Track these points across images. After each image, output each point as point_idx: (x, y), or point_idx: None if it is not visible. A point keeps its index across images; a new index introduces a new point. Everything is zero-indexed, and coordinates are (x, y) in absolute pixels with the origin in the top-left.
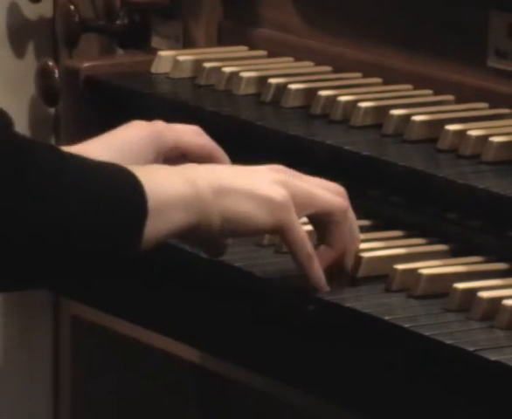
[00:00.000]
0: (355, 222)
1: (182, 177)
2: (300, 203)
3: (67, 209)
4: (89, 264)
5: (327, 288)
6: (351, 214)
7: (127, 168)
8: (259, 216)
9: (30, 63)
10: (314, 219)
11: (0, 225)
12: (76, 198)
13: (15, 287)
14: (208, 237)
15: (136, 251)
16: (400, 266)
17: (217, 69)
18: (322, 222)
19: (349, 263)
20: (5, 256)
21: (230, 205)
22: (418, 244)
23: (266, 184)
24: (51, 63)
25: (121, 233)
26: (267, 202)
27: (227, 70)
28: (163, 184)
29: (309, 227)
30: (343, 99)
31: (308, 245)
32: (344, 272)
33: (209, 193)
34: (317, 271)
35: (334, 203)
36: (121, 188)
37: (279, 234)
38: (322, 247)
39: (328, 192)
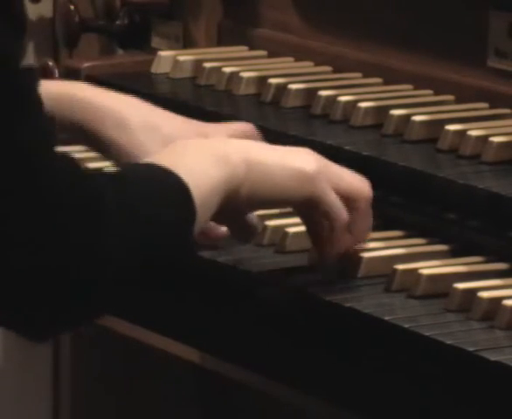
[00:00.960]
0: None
1: (214, 156)
2: (329, 180)
3: (135, 240)
4: (158, 279)
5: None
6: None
7: (171, 171)
8: (290, 187)
9: (30, 63)
10: None
11: (82, 267)
12: (139, 226)
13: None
14: (235, 210)
15: (189, 253)
16: (400, 266)
17: (218, 69)
18: (346, 207)
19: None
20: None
21: (261, 177)
22: (418, 244)
23: (298, 157)
24: (51, 63)
25: (179, 246)
26: (299, 173)
27: (227, 70)
28: (201, 174)
29: None
30: (343, 99)
31: (345, 216)
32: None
33: (242, 166)
34: (339, 248)
35: (360, 189)
36: (171, 200)
37: (311, 207)
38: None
39: (356, 178)
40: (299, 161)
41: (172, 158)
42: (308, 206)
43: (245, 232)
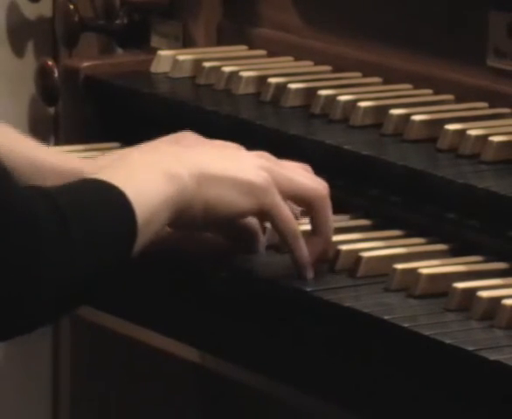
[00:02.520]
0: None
1: (163, 174)
2: (281, 187)
3: (78, 260)
4: (91, 291)
5: (311, 275)
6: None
7: (114, 187)
8: (242, 200)
9: (29, 62)
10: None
11: (21, 291)
12: (81, 248)
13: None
14: (191, 226)
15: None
16: (400, 266)
17: (217, 68)
18: (305, 209)
19: (329, 251)
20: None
21: (212, 193)
22: (417, 244)
23: (249, 169)
24: (50, 62)
25: (117, 259)
26: (250, 186)
27: (227, 69)
28: (147, 190)
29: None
30: (343, 98)
31: (294, 224)
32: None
33: (192, 184)
34: (304, 252)
35: (312, 189)
36: (114, 218)
37: (265, 217)
38: (310, 235)
39: (308, 179)
40: (249, 172)
41: (120, 173)
42: (262, 215)
43: (245, 240)
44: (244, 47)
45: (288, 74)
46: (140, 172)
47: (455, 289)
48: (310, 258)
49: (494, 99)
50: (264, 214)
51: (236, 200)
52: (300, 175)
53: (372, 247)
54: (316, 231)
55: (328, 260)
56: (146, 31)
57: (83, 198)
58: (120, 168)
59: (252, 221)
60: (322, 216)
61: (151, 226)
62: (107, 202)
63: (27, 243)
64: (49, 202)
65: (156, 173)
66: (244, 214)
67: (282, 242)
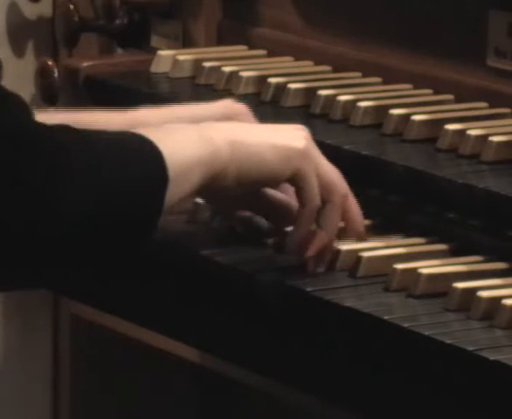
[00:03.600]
0: (357, 207)
1: (198, 136)
2: (315, 164)
3: (97, 194)
4: (118, 241)
5: (312, 267)
6: (352, 200)
7: (146, 137)
8: (277, 165)
9: (29, 62)
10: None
11: (39, 218)
12: (103, 182)
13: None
14: (224, 194)
15: (158, 219)
16: (400, 266)
17: (217, 68)
18: (321, 200)
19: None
20: (44, 245)
21: (246, 158)
22: (417, 244)
23: (289, 135)
24: (50, 62)
25: (146, 206)
26: (287, 150)
27: (227, 69)
28: (181, 147)
29: None
30: (343, 98)
31: (317, 202)
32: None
33: (225, 148)
34: (303, 234)
35: (337, 183)
36: (142, 161)
37: (294, 182)
38: (315, 228)
39: (335, 172)
40: (287, 137)
41: (157, 132)
42: (291, 181)
43: (278, 217)
44: (244, 47)
45: (288, 74)
46: (175, 133)
47: (455, 289)
48: (311, 251)
49: (494, 99)
50: (296, 180)
51: (273, 164)
52: (330, 165)
53: (372, 247)
54: (322, 222)
55: (324, 260)
56: (146, 31)
57: (117, 145)
58: (157, 129)
59: (286, 198)
60: (334, 210)
61: (183, 181)
62: (139, 152)
63: (47, 172)
64: (80, 141)
65: (191, 135)
66: (277, 178)
67: (287, 216)
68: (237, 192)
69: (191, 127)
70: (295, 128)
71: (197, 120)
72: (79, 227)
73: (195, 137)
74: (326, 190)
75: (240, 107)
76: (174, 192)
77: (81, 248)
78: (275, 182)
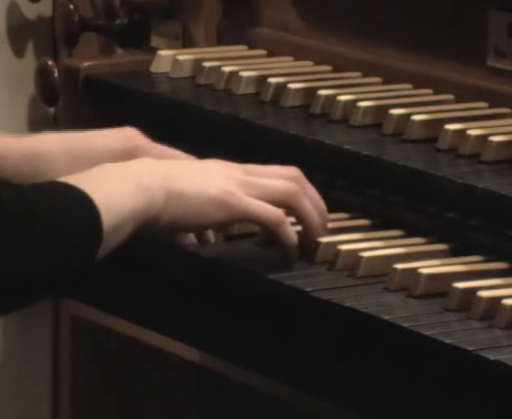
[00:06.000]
0: (315, 195)
1: (136, 185)
2: (254, 196)
3: (35, 256)
4: (53, 286)
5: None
6: (310, 190)
7: (83, 192)
8: (210, 213)
9: (29, 62)
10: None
11: None
12: (41, 243)
13: None
14: (157, 236)
15: (91, 268)
16: (400, 266)
17: (217, 68)
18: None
19: (314, 238)
20: None
21: (178, 209)
22: (417, 244)
23: (213, 182)
24: (50, 62)
25: (78, 262)
26: (214, 200)
27: (227, 69)
28: (118, 199)
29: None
30: (343, 98)
31: (276, 213)
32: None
33: (160, 198)
34: (290, 237)
35: (285, 189)
36: (78, 219)
37: (244, 221)
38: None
39: (278, 181)
40: (213, 186)
41: (90, 180)
42: (238, 222)
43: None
44: (244, 47)
45: (288, 74)
46: (113, 181)
47: (455, 289)
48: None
49: (494, 99)
50: (239, 220)
51: (205, 213)
52: (269, 178)
53: (372, 247)
54: (303, 223)
55: (316, 247)
56: (146, 31)
57: (52, 199)
58: (94, 175)
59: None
60: (303, 206)
61: (117, 234)
62: (73, 206)
63: None
64: (21, 201)
65: (129, 184)
66: (217, 224)
67: (272, 234)
68: (171, 235)
69: (128, 174)
70: (219, 172)
71: (96, 151)
72: (19, 283)
73: (132, 186)
74: (281, 204)
75: (142, 140)
76: (106, 245)
77: (25, 295)
78: (216, 227)
